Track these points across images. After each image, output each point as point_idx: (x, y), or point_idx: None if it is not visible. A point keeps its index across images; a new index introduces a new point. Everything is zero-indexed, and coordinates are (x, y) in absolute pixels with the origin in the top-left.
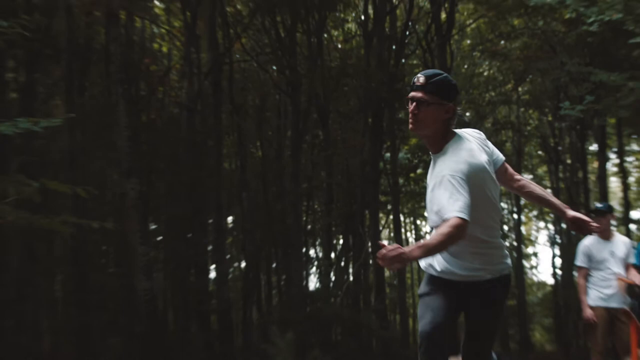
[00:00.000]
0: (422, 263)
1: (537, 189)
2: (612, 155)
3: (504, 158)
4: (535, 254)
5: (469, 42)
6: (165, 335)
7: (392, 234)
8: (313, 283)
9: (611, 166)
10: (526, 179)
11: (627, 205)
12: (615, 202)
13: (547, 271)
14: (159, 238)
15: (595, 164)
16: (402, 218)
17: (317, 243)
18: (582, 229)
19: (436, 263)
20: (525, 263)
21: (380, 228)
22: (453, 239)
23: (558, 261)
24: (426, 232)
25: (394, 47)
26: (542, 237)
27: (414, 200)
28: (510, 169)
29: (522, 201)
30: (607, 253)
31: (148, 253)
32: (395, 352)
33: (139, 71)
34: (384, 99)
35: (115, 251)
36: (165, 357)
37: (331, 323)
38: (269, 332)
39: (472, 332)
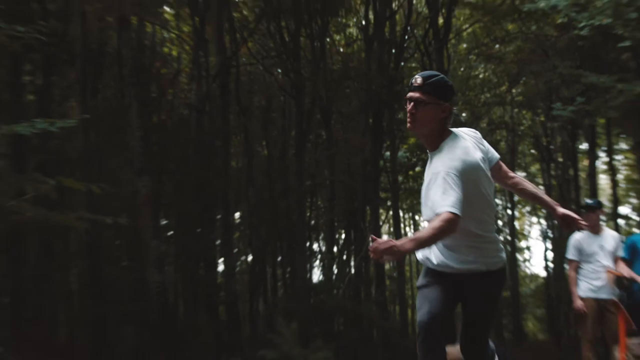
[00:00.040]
0: (419, 256)
1: (529, 186)
2: (602, 154)
3: (498, 156)
4: (528, 248)
5: (465, 46)
6: (176, 325)
7: (391, 229)
8: (316, 276)
9: (601, 164)
10: (520, 176)
11: (616, 202)
12: (605, 198)
13: (540, 264)
14: (170, 233)
15: (586, 162)
16: (401, 214)
17: (320, 238)
18: (571, 226)
19: (433, 256)
20: (519, 256)
21: (381, 223)
22: (444, 233)
23: (550, 254)
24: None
25: (393, 50)
26: (535, 231)
27: (413, 197)
28: (505, 167)
29: (516, 197)
30: (597, 247)
31: (159, 247)
32: (394, 342)
33: (150, 74)
34: (384, 100)
35: (128, 246)
36: (176, 346)
37: (334, 314)
38: (274, 323)
39: (469, 322)
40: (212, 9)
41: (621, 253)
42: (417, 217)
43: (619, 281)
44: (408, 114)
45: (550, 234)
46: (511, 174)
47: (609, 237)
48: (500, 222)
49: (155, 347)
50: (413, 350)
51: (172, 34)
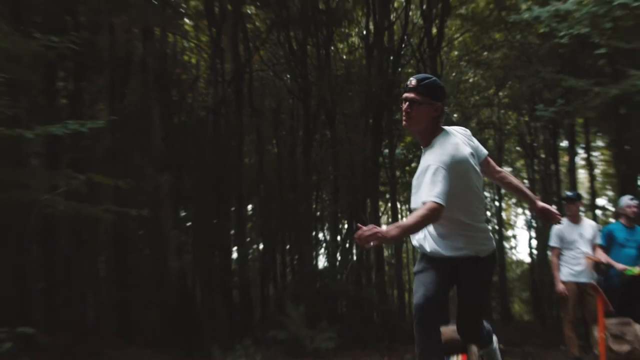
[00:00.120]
0: (414, 242)
1: (514, 180)
2: (581, 151)
3: (486, 152)
4: (514, 236)
5: (456, 53)
6: (193, 308)
7: (390, 220)
8: (322, 262)
9: (580, 160)
10: (506, 171)
11: (594, 194)
12: (584, 191)
13: (525, 251)
14: (189, 224)
15: (566, 158)
16: (398, 205)
17: (325, 228)
18: (549, 219)
19: (426, 244)
20: (506, 244)
21: (380, 214)
22: (427, 221)
23: (534, 242)
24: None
25: (391, 57)
26: (520, 221)
27: (410, 190)
28: (492, 162)
29: (503, 190)
30: (577, 235)
31: (179, 237)
32: (393, 323)
33: (171, 80)
34: (383, 102)
35: (151, 236)
36: (194, 327)
37: (337, 297)
38: (283, 306)
39: (463, 304)
40: (228, 20)
41: (599, 241)
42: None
43: (597, 266)
44: (404, 113)
45: (534, 224)
46: (498, 168)
47: (588, 226)
48: (488, 213)
49: (175, 328)
50: (410, 331)
51: (192, 44)
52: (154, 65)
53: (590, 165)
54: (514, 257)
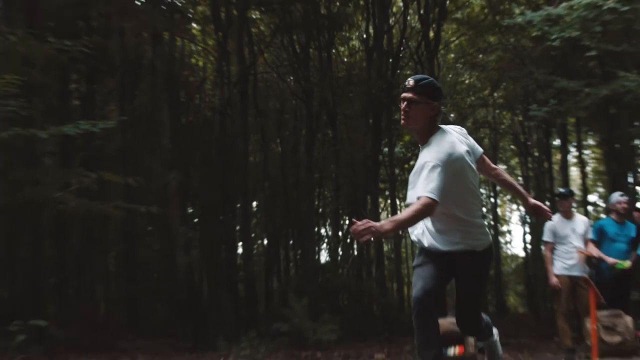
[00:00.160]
0: (413, 237)
1: (508, 178)
2: (572, 149)
3: (482, 150)
4: (509, 231)
5: (452, 55)
6: (200, 301)
7: (389, 216)
8: (324, 257)
9: (572, 158)
10: (500, 168)
11: (585, 190)
12: (576, 187)
13: (519, 246)
14: (196, 220)
15: (559, 156)
16: (397, 202)
17: (327, 223)
18: (540, 215)
19: (424, 239)
20: (501, 239)
21: (380, 210)
22: (421, 215)
23: (528, 237)
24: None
25: (390, 60)
26: (515, 217)
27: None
28: (488, 160)
29: (498, 187)
30: (569, 230)
31: (186, 233)
32: (392, 316)
33: (179, 82)
34: (383, 103)
35: (159, 232)
36: (200, 320)
37: (339, 291)
38: (287, 299)
39: (461, 297)
40: (234, 25)
41: (590, 235)
42: None
43: (589, 260)
44: (402, 112)
45: (528, 219)
46: (493, 166)
47: (580, 222)
48: (484, 209)
49: (182, 321)
50: (409, 323)
51: (199, 47)
52: (163, 68)
53: (581, 163)
54: (509, 252)
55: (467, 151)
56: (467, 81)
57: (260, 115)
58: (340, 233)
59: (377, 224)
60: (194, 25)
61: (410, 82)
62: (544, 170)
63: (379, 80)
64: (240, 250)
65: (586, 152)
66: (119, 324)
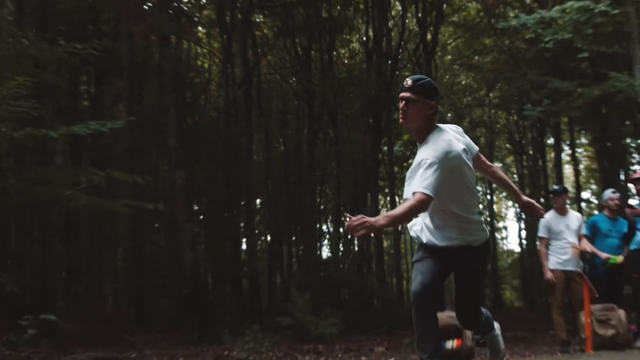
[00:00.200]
0: (412, 233)
1: (503, 175)
2: (566, 147)
3: (478, 149)
4: (505, 228)
5: (449, 57)
6: (205, 296)
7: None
8: (325, 253)
9: (565, 156)
10: (496, 166)
11: (579, 188)
12: (569, 185)
13: (515, 241)
14: (201, 217)
15: (552, 154)
16: (397, 199)
17: (328, 220)
18: (532, 212)
19: (423, 235)
20: (497, 235)
21: (380, 207)
22: (415, 211)
23: (523, 233)
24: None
25: (389, 62)
26: (511, 213)
27: None
28: (483, 158)
29: (494, 185)
30: (563, 226)
31: (192, 230)
32: (392, 310)
33: (186, 83)
34: (382, 103)
35: (166, 228)
36: (206, 314)
37: (340, 286)
38: (290, 294)
39: (459, 292)
40: (238, 28)
41: (584, 231)
42: None
43: (583, 255)
44: (400, 111)
45: (523, 216)
46: (489, 163)
47: (574, 218)
48: (481, 206)
49: (188, 315)
50: (408, 317)
51: (204, 50)
52: (170, 69)
53: (575, 161)
54: (505, 247)
55: (464, 149)
56: (463, 82)
57: (263, 115)
58: (341, 229)
59: (372, 219)
60: (200, 28)
61: (408, 82)
62: (539, 168)
63: (379, 81)
64: (244, 247)
65: (579, 150)
66: (126, 318)
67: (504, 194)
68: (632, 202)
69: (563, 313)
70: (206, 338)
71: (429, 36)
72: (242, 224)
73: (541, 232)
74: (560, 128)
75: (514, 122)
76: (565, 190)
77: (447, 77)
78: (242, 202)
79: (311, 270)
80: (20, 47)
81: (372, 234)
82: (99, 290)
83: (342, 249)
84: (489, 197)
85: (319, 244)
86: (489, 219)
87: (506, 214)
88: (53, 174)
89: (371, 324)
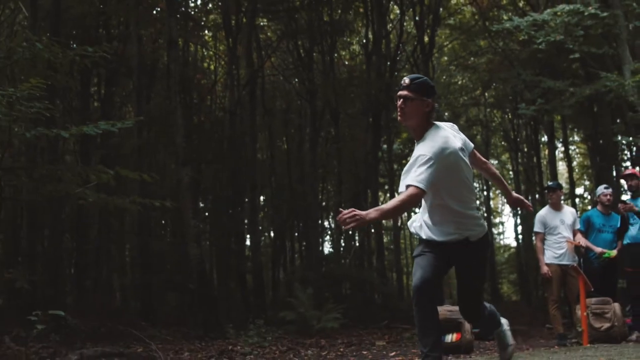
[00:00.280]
0: (412, 229)
1: (496, 172)
2: (559, 145)
3: (473, 145)
4: (501, 223)
5: (446, 58)
6: (211, 291)
7: None
8: (327, 248)
9: (559, 153)
10: (490, 163)
11: (572, 184)
12: (563, 181)
13: (511, 236)
14: (207, 214)
15: (546, 152)
16: (396, 196)
17: (330, 216)
18: (521, 207)
19: (422, 232)
20: (494, 230)
21: (380, 204)
22: (406, 205)
23: (519, 228)
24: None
25: (388, 63)
26: (507, 209)
27: None
28: (478, 154)
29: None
30: (558, 221)
31: (198, 226)
32: (392, 304)
33: (193, 84)
34: (382, 103)
35: (172, 224)
36: (211, 308)
37: (342, 280)
38: (293, 288)
39: (460, 285)
40: (243, 31)
41: (578, 226)
42: None
43: (578, 250)
44: (398, 109)
45: (519, 211)
46: (483, 160)
47: (568, 213)
48: (477, 202)
49: (194, 309)
50: (408, 312)
51: (211, 52)
52: (177, 71)
53: (568, 158)
54: (502, 242)
55: (461, 146)
56: (459, 82)
57: (267, 114)
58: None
59: (363, 212)
60: (206, 32)
61: (406, 80)
62: (533, 165)
63: (378, 82)
64: (248, 242)
65: (572, 147)
66: (133, 312)
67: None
68: (625, 197)
69: (559, 307)
70: (211, 333)
71: (426, 38)
72: (246, 221)
73: (537, 227)
74: (554, 126)
75: (508, 120)
76: (560, 187)
77: (444, 77)
78: (247, 199)
79: (313, 266)
80: (34, 51)
81: (373, 230)
82: (107, 285)
83: (343, 244)
84: (485, 193)
85: (321, 240)
86: (485, 214)
87: (503, 210)
88: (64, 173)
89: (372, 318)
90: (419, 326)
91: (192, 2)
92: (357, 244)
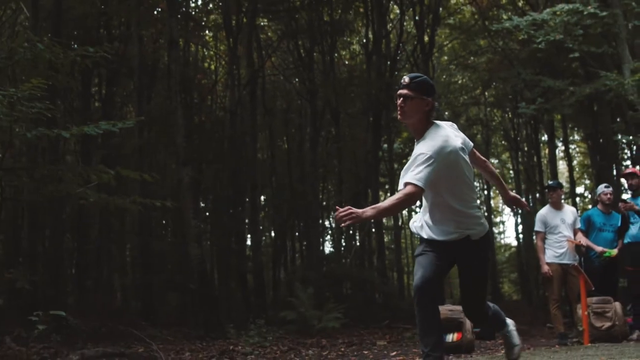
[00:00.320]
0: (413, 229)
1: (494, 171)
2: (560, 144)
3: (472, 144)
4: (502, 222)
5: (446, 58)
6: (212, 290)
7: None
8: (328, 248)
9: (559, 152)
10: (489, 161)
11: (573, 183)
12: (563, 180)
13: (512, 235)
14: (208, 214)
15: (547, 151)
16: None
17: (331, 216)
18: (518, 206)
19: (423, 231)
20: (495, 229)
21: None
22: (403, 204)
23: (520, 227)
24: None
25: (388, 62)
26: (507, 208)
27: None
28: (477, 153)
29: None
30: (559, 220)
31: (199, 225)
32: (393, 303)
33: (193, 84)
34: (382, 102)
35: (173, 224)
36: (212, 308)
37: (343, 280)
38: (293, 288)
39: (463, 284)
40: (243, 31)
41: (579, 225)
42: None
43: (578, 249)
44: (398, 108)
45: (519, 210)
46: (483, 158)
47: (569, 212)
48: (478, 201)
49: (195, 309)
50: (409, 311)
51: (211, 52)
52: (178, 71)
53: (568, 157)
54: (503, 242)
55: (462, 145)
56: (459, 81)
57: (268, 114)
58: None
59: (359, 210)
60: (207, 32)
61: (406, 79)
62: (534, 164)
63: (378, 81)
64: (249, 242)
65: (572, 146)
66: (134, 312)
67: None
68: (625, 196)
69: (560, 306)
70: (212, 333)
71: (426, 38)
72: (247, 220)
73: (537, 227)
74: (554, 125)
75: (509, 119)
76: (560, 186)
77: (444, 77)
78: (247, 199)
79: (314, 265)
80: (35, 51)
81: (374, 229)
82: (108, 285)
83: (344, 244)
84: (486, 192)
85: (321, 240)
86: (486, 213)
87: (503, 209)
88: (65, 173)
89: (373, 317)
90: (420, 326)
91: (192, 2)
92: (358, 244)
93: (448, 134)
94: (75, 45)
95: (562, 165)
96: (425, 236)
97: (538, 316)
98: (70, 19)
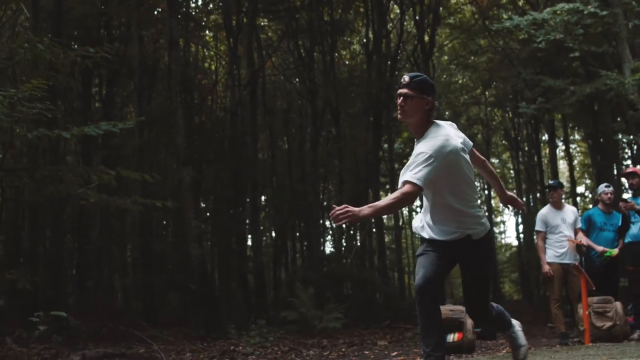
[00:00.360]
0: (415, 229)
1: (493, 170)
2: (560, 143)
3: (472, 143)
4: (503, 222)
5: (446, 57)
6: (212, 291)
7: None
8: (329, 248)
9: (560, 151)
10: (488, 161)
11: (573, 182)
12: (564, 179)
13: (513, 235)
14: (208, 214)
15: (547, 150)
16: None
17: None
18: (514, 206)
19: (424, 232)
20: (495, 229)
21: None
22: (401, 203)
23: (521, 227)
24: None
25: (389, 62)
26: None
27: None
28: (477, 152)
29: None
30: (560, 220)
31: (199, 226)
32: (394, 304)
33: (194, 84)
34: (382, 102)
35: (174, 225)
36: (212, 308)
37: (343, 280)
38: (294, 288)
39: (464, 284)
40: (244, 31)
41: (579, 224)
42: None
43: (579, 248)
44: (398, 107)
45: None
46: (482, 157)
47: (569, 212)
48: (479, 201)
49: (195, 310)
50: (410, 311)
51: (212, 52)
52: (178, 72)
53: (569, 156)
54: (503, 241)
55: (462, 144)
56: (460, 81)
57: (268, 114)
58: (344, 225)
59: (356, 209)
60: (207, 32)
61: (406, 78)
62: (534, 164)
63: (379, 81)
64: (249, 242)
65: (573, 146)
66: (135, 312)
67: None
68: (626, 195)
69: (561, 306)
70: (213, 333)
71: (426, 38)
72: (247, 221)
73: (538, 226)
74: (554, 125)
75: (509, 119)
76: (561, 185)
77: (445, 76)
78: (248, 199)
79: (315, 265)
80: (35, 52)
81: (375, 229)
82: (108, 286)
83: (344, 244)
84: (486, 192)
85: (322, 240)
86: (487, 213)
87: (504, 209)
88: (65, 173)
89: (374, 318)
90: (422, 326)
91: (193, 2)
92: (359, 244)
93: (448, 134)
94: (76, 46)
95: (562, 165)
96: (426, 236)
97: (539, 316)
98: (71, 20)
